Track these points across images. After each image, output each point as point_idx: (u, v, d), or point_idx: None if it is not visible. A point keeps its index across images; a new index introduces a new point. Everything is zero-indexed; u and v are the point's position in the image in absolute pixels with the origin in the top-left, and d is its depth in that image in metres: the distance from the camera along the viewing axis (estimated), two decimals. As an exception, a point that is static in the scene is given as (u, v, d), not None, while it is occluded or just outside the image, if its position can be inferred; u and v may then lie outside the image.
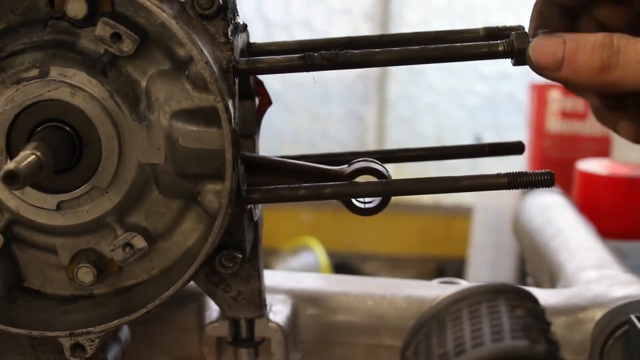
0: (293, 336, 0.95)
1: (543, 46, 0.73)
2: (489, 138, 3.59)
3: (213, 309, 0.92)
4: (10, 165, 0.64)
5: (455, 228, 3.86)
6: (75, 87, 0.74)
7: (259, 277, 0.87)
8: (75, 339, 0.79)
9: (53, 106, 0.74)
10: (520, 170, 0.78)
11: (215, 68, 0.73)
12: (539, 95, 2.69)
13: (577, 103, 2.60)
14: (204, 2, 0.74)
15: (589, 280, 1.05)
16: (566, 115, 2.64)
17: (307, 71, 0.78)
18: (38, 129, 0.74)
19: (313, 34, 3.95)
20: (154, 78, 0.76)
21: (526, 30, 0.79)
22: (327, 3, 4.06)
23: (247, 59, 0.78)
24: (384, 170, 0.82)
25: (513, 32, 0.75)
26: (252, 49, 0.85)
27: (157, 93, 0.76)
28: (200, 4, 0.74)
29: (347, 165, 0.83)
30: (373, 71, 3.96)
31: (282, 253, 3.79)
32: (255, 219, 0.86)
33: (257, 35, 2.89)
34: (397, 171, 3.41)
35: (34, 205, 0.76)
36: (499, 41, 0.75)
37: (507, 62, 0.76)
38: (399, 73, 3.97)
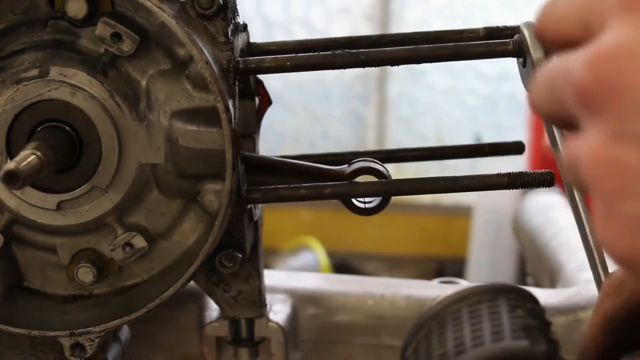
0: (293, 336, 0.95)
1: None
2: (489, 138, 3.59)
3: (213, 309, 0.92)
4: (11, 165, 0.64)
5: (455, 228, 3.87)
6: (75, 87, 0.74)
7: (259, 277, 0.87)
8: (75, 339, 0.79)
9: (53, 106, 0.74)
10: (520, 170, 0.78)
11: (215, 68, 0.73)
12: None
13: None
14: (204, 2, 0.74)
15: (589, 280, 1.04)
16: (566, 115, 2.63)
17: (307, 70, 0.78)
18: (38, 129, 0.74)
19: (313, 34, 3.95)
20: (154, 78, 0.76)
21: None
22: (327, 3, 4.06)
23: (247, 58, 0.78)
24: (384, 170, 0.82)
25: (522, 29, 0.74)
26: (252, 49, 0.85)
27: (157, 93, 0.76)
28: (201, 3, 0.74)
29: (347, 165, 0.83)
30: (373, 71, 3.95)
31: (282, 253, 3.79)
32: (255, 218, 0.86)
33: (257, 35, 2.89)
34: (396, 171, 3.42)
35: (34, 205, 0.76)
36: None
37: (508, 61, 0.76)
38: (398, 73, 3.97)
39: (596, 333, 0.64)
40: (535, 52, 0.72)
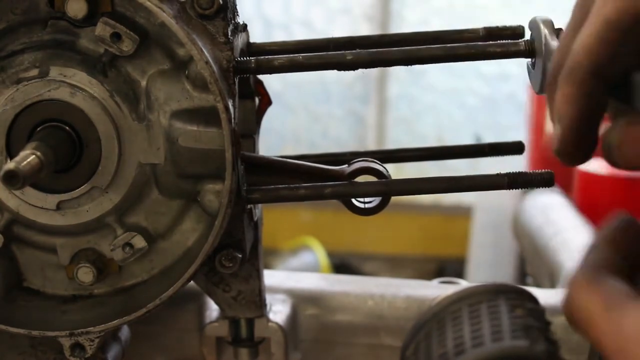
0: (293, 336, 0.95)
1: None
2: (489, 138, 3.59)
3: (213, 309, 0.92)
4: (10, 165, 0.64)
5: (455, 228, 3.86)
6: (75, 87, 0.74)
7: (259, 277, 0.87)
8: (75, 339, 0.79)
9: (53, 106, 0.74)
10: (520, 170, 0.78)
11: (215, 68, 0.73)
12: (539, 95, 2.68)
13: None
14: (204, 2, 0.74)
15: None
16: (566, 115, 2.62)
17: (308, 70, 0.78)
18: (38, 129, 0.74)
19: (313, 34, 3.94)
20: (154, 78, 0.76)
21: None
22: (327, 3, 4.06)
23: (247, 58, 0.78)
24: (384, 170, 0.82)
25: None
26: (252, 49, 0.85)
27: (157, 93, 0.76)
28: (200, 3, 0.74)
29: (347, 165, 0.83)
30: (373, 71, 3.95)
31: (282, 253, 3.79)
32: (255, 218, 0.86)
33: (257, 35, 2.89)
34: (396, 171, 3.41)
35: (34, 205, 0.76)
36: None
37: (507, 62, 0.76)
38: (398, 73, 3.97)
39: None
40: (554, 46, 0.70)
